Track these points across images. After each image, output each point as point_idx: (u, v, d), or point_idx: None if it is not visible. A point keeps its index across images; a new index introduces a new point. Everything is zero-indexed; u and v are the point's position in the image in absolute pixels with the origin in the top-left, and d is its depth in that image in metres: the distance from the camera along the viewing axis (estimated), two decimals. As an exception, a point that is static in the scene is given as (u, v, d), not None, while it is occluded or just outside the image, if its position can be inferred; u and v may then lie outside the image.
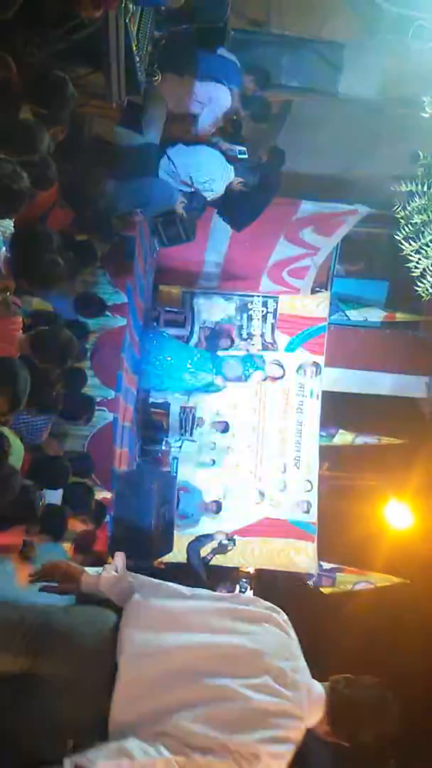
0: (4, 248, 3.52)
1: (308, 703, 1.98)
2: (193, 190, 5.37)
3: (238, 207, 5.79)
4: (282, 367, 7.73)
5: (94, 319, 5.27)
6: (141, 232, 5.78)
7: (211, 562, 6.63)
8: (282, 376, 7.72)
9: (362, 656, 7.24)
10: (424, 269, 4.37)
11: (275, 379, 7.68)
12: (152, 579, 2.22)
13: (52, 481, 4.01)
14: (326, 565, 7.65)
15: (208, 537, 6.17)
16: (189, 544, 5.73)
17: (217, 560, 6.76)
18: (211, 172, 5.36)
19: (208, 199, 5.54)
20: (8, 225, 3.58)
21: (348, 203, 6.78)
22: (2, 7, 2.84)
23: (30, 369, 3.18)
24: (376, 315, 8.10)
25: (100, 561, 4.82)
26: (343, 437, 8.10)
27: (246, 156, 5.65)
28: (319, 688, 2.04)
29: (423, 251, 4.38)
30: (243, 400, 7.65)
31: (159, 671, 1.94)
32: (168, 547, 5.94)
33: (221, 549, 6.31)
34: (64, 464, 4.10)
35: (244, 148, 5.65)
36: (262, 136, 6.26)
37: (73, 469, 4.14)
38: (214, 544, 6.20)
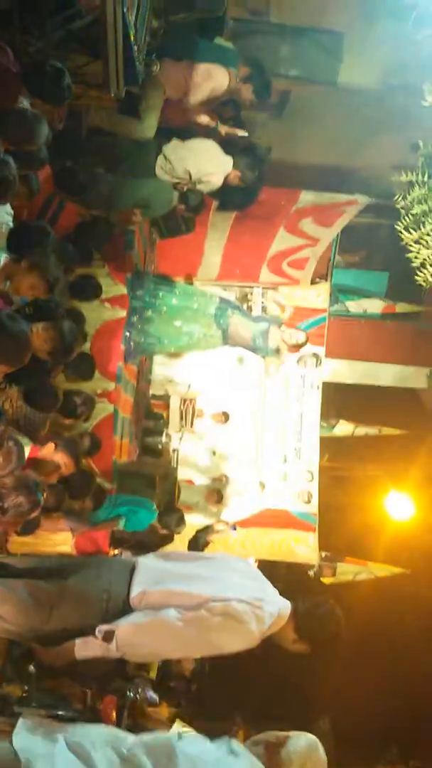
0: (4, 256, 3.52)
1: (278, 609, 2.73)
2: (188, 187, 5.34)
3: (236, 197, 5.77)
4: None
5: (90, 302, 5.24)
6: (140, 224, 5.76)
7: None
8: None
9: (363, 646, 7.27)
10: (424, 260, 4.36)
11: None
12: None
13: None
14: (327, 556, 7.66)
15: (206, 529, 6.16)
16: (189, 542, 5.70)
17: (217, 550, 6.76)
18: (207, 165, 5.34)
19: (206, 191, 5.52)
20: (7, 219, 3.58)
21: (348, 193, 6.75)
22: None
23: (30, 362, 3.19)
24: (376, 306, 8.08)
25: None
26: (344, 428, 8.09)
27: (246, 135, 5.62)
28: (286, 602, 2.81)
29: (423, 241, 4.38)
30: (244, 391, 7.65)
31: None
32: (169, 538, 5.94)
33: (220, 534, 6.32)
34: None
35: (245, 132, 5.62)
36: (262, 126, 6.23)
37: None
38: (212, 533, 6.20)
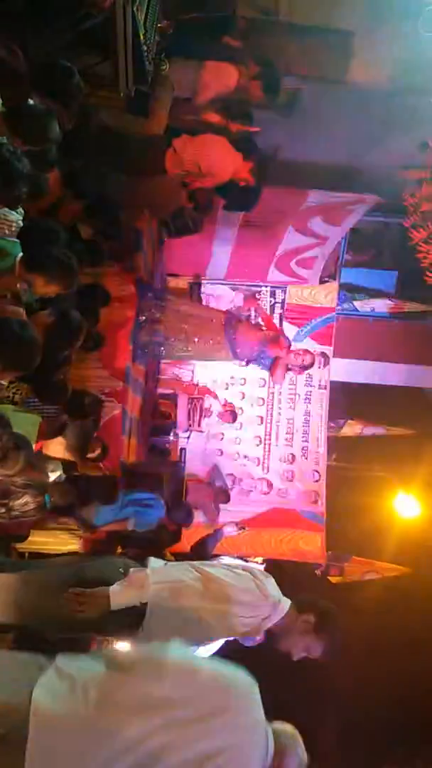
0: (20, 255, 3.52)
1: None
2: (197, 182, 5.34)
3: (242, 196, 5.76)
4: None
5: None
6: (149, 224, 5.76)
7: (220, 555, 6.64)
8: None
9: (370, 646, 7.26)
10: (433, 259, 4.38)
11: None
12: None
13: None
14: (334, 555, 7.66)
15: (217, 533, 6.15)
16: (193, 546, 5.70)
17: (225, 550, 6.76)
18: (217, 156, 5.34)
19: (214, 184, 5.50)
20: (16, 218, 3.58)
21: (357, 192, 6.73)
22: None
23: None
24: (384, 305, 8.07)
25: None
26: (352, 428, 8.09)
27: (258, 129, 5.62)
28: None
29: (432, 240, 4.39)
30: (251, 390, 7.65)
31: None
32: (176, 538, 5.95)
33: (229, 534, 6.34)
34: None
35: (257, 128, 5.61)
36: (270, 125, 6.22)
37: None
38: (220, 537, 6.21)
